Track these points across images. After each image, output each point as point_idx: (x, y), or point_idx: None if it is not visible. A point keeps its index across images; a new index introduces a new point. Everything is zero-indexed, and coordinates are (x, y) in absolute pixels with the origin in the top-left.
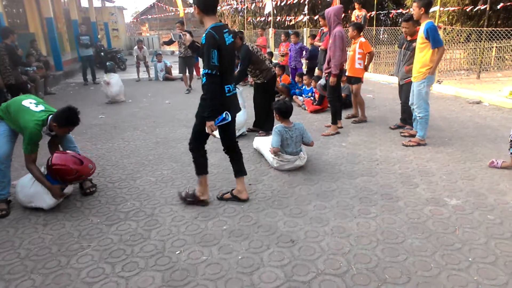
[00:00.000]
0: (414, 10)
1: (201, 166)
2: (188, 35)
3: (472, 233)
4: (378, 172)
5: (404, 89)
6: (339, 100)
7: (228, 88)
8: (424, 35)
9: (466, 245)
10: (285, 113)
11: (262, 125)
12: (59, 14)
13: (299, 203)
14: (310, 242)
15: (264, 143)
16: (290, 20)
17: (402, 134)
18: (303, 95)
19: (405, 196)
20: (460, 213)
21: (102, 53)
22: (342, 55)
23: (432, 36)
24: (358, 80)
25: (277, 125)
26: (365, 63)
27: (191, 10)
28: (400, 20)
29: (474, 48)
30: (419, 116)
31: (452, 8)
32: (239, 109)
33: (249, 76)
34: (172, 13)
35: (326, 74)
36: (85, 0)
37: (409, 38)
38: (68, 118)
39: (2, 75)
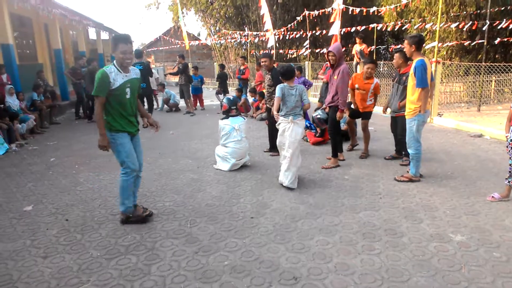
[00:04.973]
0: (406, 47)
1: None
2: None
3: (478, 271)
4: (381, 206)
5: (399, 122)
6: (339, 133)
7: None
8: (413, 72)
9: (473, 284)
10: (285, 74)
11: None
12: (67, 45)
13: (301, 238)
14: (313, 280)
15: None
16: (292, 54)
17: (401, 164)
18: None
19: (409, 232)
20: (465, 250)
21: None
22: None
23: (417, 75)
24: (370, 115)
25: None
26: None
27: (196, 43)
28: None
29: (474, 82)
30: (410, 154)
31: (451, 43)
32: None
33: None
34: (178, 46)
35: (327, 107)
36: (93, 33)
37: (400, 71)
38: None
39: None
